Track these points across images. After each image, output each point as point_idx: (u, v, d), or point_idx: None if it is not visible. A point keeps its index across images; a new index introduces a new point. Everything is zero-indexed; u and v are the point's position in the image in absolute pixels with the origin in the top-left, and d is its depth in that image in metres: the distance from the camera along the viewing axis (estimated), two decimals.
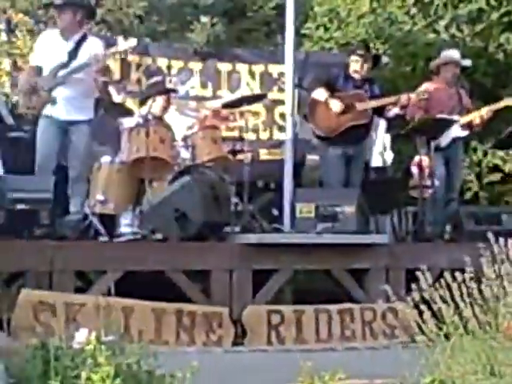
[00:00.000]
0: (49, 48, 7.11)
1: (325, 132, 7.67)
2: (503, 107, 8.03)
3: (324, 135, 7.69)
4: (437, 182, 7.84)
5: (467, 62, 8.29)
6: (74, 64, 6.97)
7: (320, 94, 7.65)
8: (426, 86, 8.13)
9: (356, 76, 7.75)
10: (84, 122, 7.16)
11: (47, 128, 7.04)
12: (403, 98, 7.58)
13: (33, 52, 7.52)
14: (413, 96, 7.64)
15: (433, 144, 7.74)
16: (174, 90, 8.55)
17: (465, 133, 8.17)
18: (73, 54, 7.02)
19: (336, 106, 7.58)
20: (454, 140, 8.09)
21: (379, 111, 7.78)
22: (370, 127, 7.87)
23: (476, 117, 8.02)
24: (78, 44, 7.08)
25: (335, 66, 8.19)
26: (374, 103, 7.69)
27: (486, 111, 8.01)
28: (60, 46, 7.08)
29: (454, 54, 8.30)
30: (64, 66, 6.99)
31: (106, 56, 7.04)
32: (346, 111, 7.60)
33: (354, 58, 7.77)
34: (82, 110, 7.14)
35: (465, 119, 8.08)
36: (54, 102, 6.92)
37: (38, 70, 7.08)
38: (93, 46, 7.08)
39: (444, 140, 7.97)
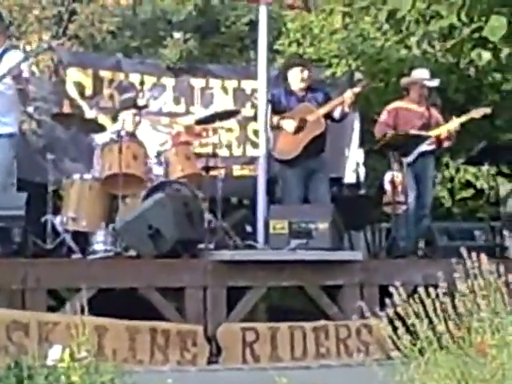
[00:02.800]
0: None
1: (286, 155, 7.63)
2: (470, 119, 8.09)
3: (286, 158, 7.64)
4: (410, 198, 7.87)
5: (435, 83, 8.34)
6: None
7: (272, 119, 7.65)
8: (395, 105, 8.22)
9: (302, 85, 7.71)
10: (5, 135, 7.06)
11: None
12: (347, 95, 7.59)
13: None
14: (356, 90, 7.64)
15: (405, 160, 7.77)
16: (146, 106, 8.54)
17: (431, 147, 8.19)
18: None
19: (289, 125, 7.58)
20: (422, 155, 8.11)
21: (328, 116, 7.77)
22: (326, 135, 7.82)
23: (443, 130, 8.07)
24: (0, 56, 7.01)
25: (275, 86, 8.15)
26: (323, 109, 7.66)
27: (452, 124, 8.07)
28: None
29: (422, 73, 8.35)
30: None
31: (19, 63, 6.90)
32: (300, 128, 7.59)
33: (293, 70, 7.75)
34: (4, 124, 7.04)
35: (432, 132, 8.12)
36: None
37: None
38: (13, 58, 6.97)
39: (410, 157, 7.99)
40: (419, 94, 8.25)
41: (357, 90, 7.64)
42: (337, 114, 7.72)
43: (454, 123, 8.06)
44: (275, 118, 7.63)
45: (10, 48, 7.25)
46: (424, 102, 8.29)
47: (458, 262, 4.37)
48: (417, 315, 4.12)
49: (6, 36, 7.43)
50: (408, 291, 4.54)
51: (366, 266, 6.95)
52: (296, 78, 7.73)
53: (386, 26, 10.30)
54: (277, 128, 7.63)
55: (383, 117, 8.25)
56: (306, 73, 7.74)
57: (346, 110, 7.68)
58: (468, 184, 10.43)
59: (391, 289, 4.38)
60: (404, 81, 8.41)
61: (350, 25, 10.94)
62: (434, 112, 8.36)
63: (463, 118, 8.08)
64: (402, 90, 8.40)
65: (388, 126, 8.11)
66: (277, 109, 7.69)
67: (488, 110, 8.10)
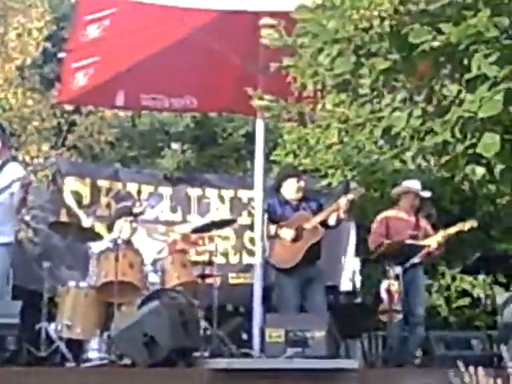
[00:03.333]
0: None
1: (285, 263, 7.62)
2: (458, 231, 8.15)
3: (286, 267, 7.63)
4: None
5: (427, 194, 8.43)
6: None
7: (268, 229, 7.72)
8: (386, 214, 8.30)
9: (298, 196, 7.78)
10: (1, 245, 7.11)
11: None
12: (341, 202, 7.65)
13: None
14: (350, 196, 7.71)
15: (397, 269, 7.80)
16: (142, 213, 8.61)
17: (419, 259, 8.21)
18: None
19: (287, 234, 7.62)
20: (411, 265, 8.13)
21: (323, 224, 7.82)
22: (321, 242, 7.85)
23: (432, 241, 8.12)
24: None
25: (271, 195, 8.24)
26: (319, 217, 7.70)
27: (440, 235, 8.12)
28: None
29: (413, 184, 8.45)
30: None
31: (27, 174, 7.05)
32: (298, 237, 7.64)
33: (289, 181, 7.82)
34: (0, 234, 7.12)
35: (424, 242, 8.17)
36: None
37: None
38: (12, 172, 7.11)
39: (397, 268, 8.01)
40: (411, 204, 8.33)
41: (351, 196, 7.72)
42: (332, 221, 7.77)
43: (442, 235, 8.12)
44: (272, 227, 7.68)
45: (10, 159, 7.38)
46: (414, 213, 8.36)
47: (456, 372, 4.36)
48: None
49: (8, 147, 7.58)
50: None
51: (362, 374, 6.87)
52: (291, 189, 7.79)
53: (381, 142, 10.51)
54: (274, 237, 7.67)
55: (375, 226, 8.32)
56: (301, 183, 7.81)
57: (342, 216, 7.73)
58: (464, 292, 10.43)
59: None
60: (395, 190, 8.51)
61: (345, 138, 11.14)
62: (423, 223, 8.42)
63: (451, 230, 8.14)
64: (393, 199, 8.47)
65: (381, 235, 8.19)
66: (272, 218, 7.75)
67: (475, 224, 8.16)
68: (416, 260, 8.09)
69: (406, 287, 8.03)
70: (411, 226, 8.27)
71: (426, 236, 8.24)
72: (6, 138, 7.47)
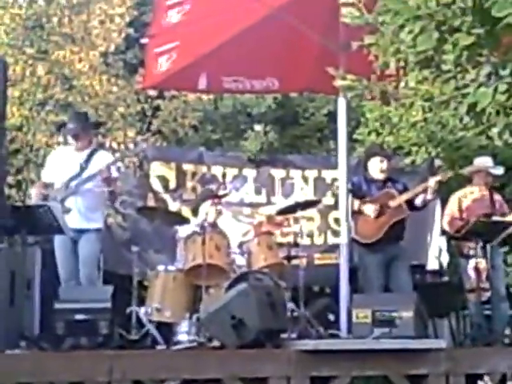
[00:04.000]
0: (61, 164, 7.35)
1: (367, 239, 7.59)
2: None
3: (368, 241, 7.60)
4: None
5: (499, 171, 8.28)
6: (85, 175, 7.15)
7: (352, 204, 7.67)
8: (459, 194, 8.23)
9: (381, 176, 7.73)
10: (93, 230, 7.28)
11: (62, 241, 7.19)
12: (430, 183, 7.57)
13: (44, 167, 7.72)
14: (438, 178, 7.61)
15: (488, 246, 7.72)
16: (226, 195, 8.67)
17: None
18: (84, 166, 7.23)
19: (371, 210, 7.57)
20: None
21: (410, 204, 7.75)
22: (405, 222, 7.80)
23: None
24: (90, 156, 7.31)
25: (355, 174, 8.19)
26: (405, 196, 7.64)
27: None
28: (72, 160, 7.31)
29: (485, 161, 8.32)
30: (75, 176, 7.18)
31: (110, 167, 7.21)
32: (381, 213, 7.59)
33: (373, 160, 7.77)
34: (91, 220, 7.28)
35: (509, 220, 8.04)
36: (67, 211, 7.07)
37: (49, 185, 7.27)
38: (103, 159, 7.29)
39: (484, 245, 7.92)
40: (484, 182, 8.22)
41: (439, 178, 7.62)
42: (419, 202, 7.70)
43: None
44: (356, 203, 7.63)
45: (98, 148, 7.55)
46: (488, 190, 8.24)
47: None
48: None
49: (93, 136, 7.75)
50: (495, 380, 4.48)
51: (451, 354, 6.81)
52: (375, 168, 7.75)
53: (466, 119, 10.32)
54: (358, 213, 7.64)
55: (448, 207, 8.23)
56: (385, 164, 7.74)
57: (429, 197, 7.65)
58: None
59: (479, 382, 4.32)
60: (468, 169, 8.38)
61: (428, 115, 11.00)
62: (498, 200, 8.29)
63: None
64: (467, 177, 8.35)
65: (454, 217, 8.12)
66: (357, 194, 7.70)
67: None
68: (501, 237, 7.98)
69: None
70: (485, 205, 8.15)
71: (502, 214, 8.11)
72: (89, 126, 7.61)
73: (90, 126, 7.73)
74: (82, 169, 7.24)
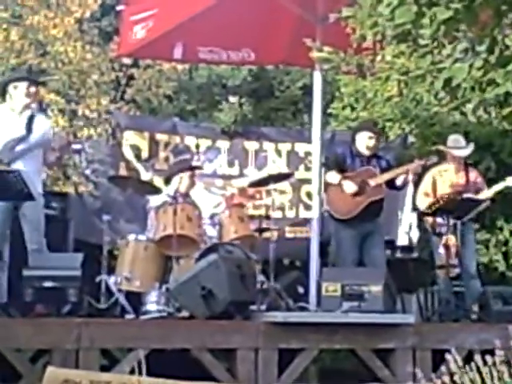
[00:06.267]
0: (2, 122, 7.06)
1: (342, 214, 7.61)
2: (503, 188, 8.07)
3: (342, 217, 7.62)
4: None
5: (468, 150, 8.30)
6: (32, 139, 7.01)
7: (332, 177, 7.64)
8: (433, 172, 8.25)
9: (366, 152, 7.71)
10: (39, 195, 7.05)
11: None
12: (413, 166, 7.60)
13: None
14: (421, 162, 7.64)
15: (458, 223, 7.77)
16: (199, 168, 8.64)
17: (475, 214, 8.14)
18: (28, 129, 7.03)
19: (350, 187, 7.56)
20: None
21: (389, 184, 7.78)
22: (383, 201, 7.82)
23: (484, 196, 8.05)
24: (30, 120, 7.03)
25: (328, 148, 8.19)
26: (387, 176, 7.66)
27: (492, 190, 8.05)
28: (11, 121, 7.02)
29: (457, 140, 8.35)
30: (21, 140, 7.03)
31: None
32: (360, 191, 7.59)
33: (367, 134, 7.75)
34: (34, 184, 7.13)
35: (480, 198, 8.09)
36: None
37: None
38: (43, 124, 7.08)
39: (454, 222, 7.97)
40: (456, 161, 8.25)
41: (423, 162, 7.63)
42: (399, 182, 7.73)
43: (494, 189, 8.04)
44: (337, 177, 7.61)
45: (36, 113, 7.16)
46: (463, 166, 8.28)
47: None
48: (473, 383, 4.07)
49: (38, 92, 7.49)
50: (461, 356, 4.51)
51: (418, 329, 6.87)
52: (362, 143, 7.73)
53: (441, 94, 10.32)
54: (337, 186, 7.61)
55: (421, 185, 8.26)
56: (372, 141, 7.72)
57: (410, 179, 7.68)
58: None
59: (447, 355, 4.34)
60: (441, 147, 8.41)
61: (404, 91, 11.00)
62: (474, 176, 8.33)
63: (497, 187, 8.06)
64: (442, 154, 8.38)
65: (427, 195, 8.16)
66: (341, 167, 7.68)
67: None
68: (473, 214, 8.03)
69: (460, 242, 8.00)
70: (460, 182, 8.19)
71: (478, 190, 8.16)
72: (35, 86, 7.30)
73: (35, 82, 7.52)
74: (27, 133, 7.04)
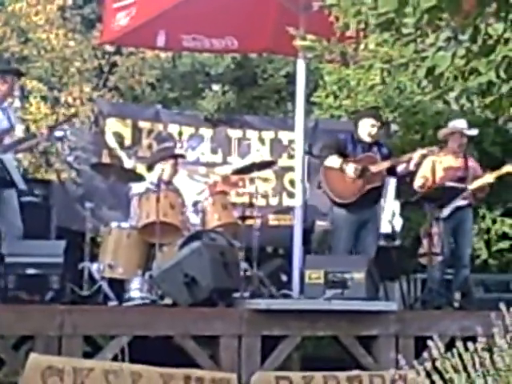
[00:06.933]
0: None
1: (343, 198, 7.59)
2: (505, 173, 8.07)
3: (342, 202, 7.60)
4: (445, 250, 7.85)
5: (474, 132, 8.34)
6: (17, 134, 6.96)
7: (334, 161, 7.61)
8: (433, 157, 8.21)
9: (368, 139, 7.70)
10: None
11: None
12: (416, 154, 7.59)
13: None
14: (424, 152, 7.64)
15: (441, 214, 7.79)
16: (182, 156, 8.63)
17: (467, 201, 8.16)
18: (12, 122, 7.01)
19: (352, 171, 7.56)
20: (459, 208, 8.08)
21: (390, 171, 7.79)
22: (382, 189, 7.84)
23: (478, 185, 8.06)
24: (7, 113, 7.05)
25: (342, 132, 8.21)
26: (387, 164, 7.67)
27: (487, 178, 8.05)
28: None
29: (460, 123, 8.36)
30: (7, 132, 6.98)
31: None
32: (361, 175, 7.58)
33: (371, 121, 7.75)
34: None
35: (471, 187, 8.10)
36: None
37: None
38: (13, 115, 7.09)
39: (445, 210, 7.99)
40: (458, 144, 8.23)
41: (425, 151, 7.62)
42: (400, 170, 7.74)
43: (489, 178, 8.04)
44: (338, 161, 7.60)
45: (7, 107, 7.17)
46: (462, 154, 8.29)
47: (497, 315, 4.35)
48: (455, 369, 4.09)
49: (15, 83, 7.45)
50: (444, 343, 4.53)
51: (401, 316, 6.92)
52: (365, 130, 7.70)
53: (424, 82, 10.33)
54: (339, 170, 7.59)
55: (421, 170, 8.24)
56: (375, 129, 7.71)
57: (411, 168, 7.67)
58: (504, 236, 10.36)
59: (429, 342, 4.37)
60: (443, 131, 8.40)
61: (387, 79, 11.02)
62: (472, 163, 8.34)
63: (497, 173, 8.05)
64: (440, 142, 8.35)
65: (427, 179, 8.13)
66: (342, 152, 7.67)
67: None
68: (462, 202, 8.05)
69: (454, 230, 8.02)
70: (459, 168, 8.20)
71: (476, 177, 8.16)
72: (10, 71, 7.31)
73: (12, 70, 7.48)
74: (12, 126, 7.00)
